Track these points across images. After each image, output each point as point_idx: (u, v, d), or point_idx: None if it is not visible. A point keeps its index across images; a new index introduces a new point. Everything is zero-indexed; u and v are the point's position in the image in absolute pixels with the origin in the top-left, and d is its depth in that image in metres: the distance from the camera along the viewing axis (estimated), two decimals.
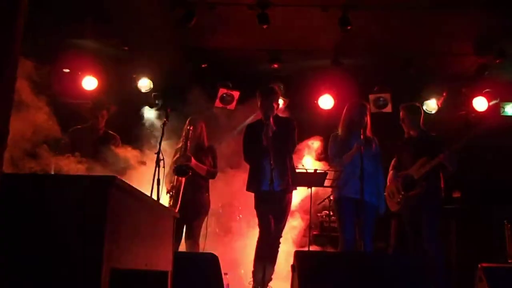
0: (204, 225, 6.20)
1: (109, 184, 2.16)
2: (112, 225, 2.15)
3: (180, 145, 6.16)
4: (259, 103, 5.85)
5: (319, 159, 7.65)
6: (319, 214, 7.48)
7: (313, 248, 6.57)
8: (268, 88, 5.97)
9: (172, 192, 5.88)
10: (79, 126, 6.40)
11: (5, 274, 2.05)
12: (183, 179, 5.86)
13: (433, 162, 5.62)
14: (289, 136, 5.80)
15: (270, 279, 5.60)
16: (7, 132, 1.76)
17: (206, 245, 6.46)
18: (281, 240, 5.77)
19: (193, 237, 6.01)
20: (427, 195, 5.67)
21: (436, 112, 8.11)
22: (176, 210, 5.70)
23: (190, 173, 5.86)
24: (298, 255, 4.25)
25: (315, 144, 7.80)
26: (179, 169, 5.82)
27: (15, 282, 2.06)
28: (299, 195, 6.87)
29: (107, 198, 2.13)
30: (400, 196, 5.82)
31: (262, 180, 5.61)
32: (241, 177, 6.08)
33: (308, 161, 7.66)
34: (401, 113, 6.00)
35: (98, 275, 2.06)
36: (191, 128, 6.05)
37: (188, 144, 5.96)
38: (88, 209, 2.13)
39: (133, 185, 2.46)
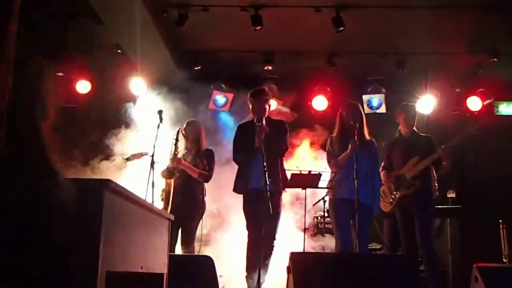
0: (199, 227, 6.19)
1: (104, 188, 2.15)
2: (107, 228, 2.15)
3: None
4: (250, 106, 5.84)
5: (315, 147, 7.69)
6: (314, 215, 7.47)
7: (308, 249, 6.55)
8: (258, 90, 5.94)
9: (163, 196, 5.88)
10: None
11: (1, 277, 2.04)
12: (172, 182, 5.88)
13: (426, 161, 5.65)
14: (281, 138, 5.79)
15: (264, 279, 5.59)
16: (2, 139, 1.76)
17: (201, 248, 6.45)
18: (276, 242, 5.73)
19: (188, 240, 5.99)
20: (419, 195, 5.70)
21: (430, 112, 8.11)
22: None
23: (177, 174, 5.88)
24: (293, 256, 4.25)
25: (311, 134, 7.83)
26: (164, 171, 5.85)
27: (11, 285, 2.05)
28: (293, 196, 6.86)
29: (102, 201, 2.13)
30: (393, 196, 5.84)
31: (251, 180, 5.59)
32: None
33: (305, 150, 7.67)
34: (397, 113, 6.04)
35: (94, 278, 2.06)
36: (182, 130, 6.05)
37: (177, 146, 5.96)
38: (83, 212, 2.12)
39: (128, 188, 2.46)
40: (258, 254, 5.38)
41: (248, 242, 5.62)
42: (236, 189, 5.81)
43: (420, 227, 5.60)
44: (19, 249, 2.09)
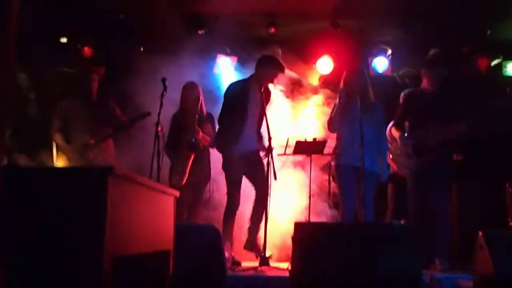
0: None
1: (108, 174, 2.16)
2: (112, 214, 2.16)
3: (176, 112, 6.16)
4: (265, 72, 5.81)
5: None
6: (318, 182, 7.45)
7: (313, 217, 6.56)
8: (281, 64, 5.99)
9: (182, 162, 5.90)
10: (67, 100, 6.31)
11: (8, 263, 2.06)
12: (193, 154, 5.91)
13: (450, 131, 5.57)
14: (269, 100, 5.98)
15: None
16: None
17: (208, 214, 6.49)
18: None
19: (197, 204, 6.13)
20: (440, 160, 5.65)
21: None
22: (183, 182, 5.76)
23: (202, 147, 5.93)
24: (297, 226, 4.27)
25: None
26: (192, 145, 5.83)
27: (17, 271, 2.07)
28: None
29: (106, 188, 2.14)
30: (411, 161, 5.72)
31: (244, 141, 5.68)
32: None
33: (310, 114, 7.64)
34: (423, 71, 5.92)
35: (100, 264, 2.08)
36: (201, 99, 6.00)
37: (197, 116, 5.93)
38: (88, 200, 2.14)
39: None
40: (232, 220, 5.57)
41: (227, 207, 5.80)
42: (220, 148, 5.88)
43: (437, 191, 5.57)
44: (24, 239, 2.11)
